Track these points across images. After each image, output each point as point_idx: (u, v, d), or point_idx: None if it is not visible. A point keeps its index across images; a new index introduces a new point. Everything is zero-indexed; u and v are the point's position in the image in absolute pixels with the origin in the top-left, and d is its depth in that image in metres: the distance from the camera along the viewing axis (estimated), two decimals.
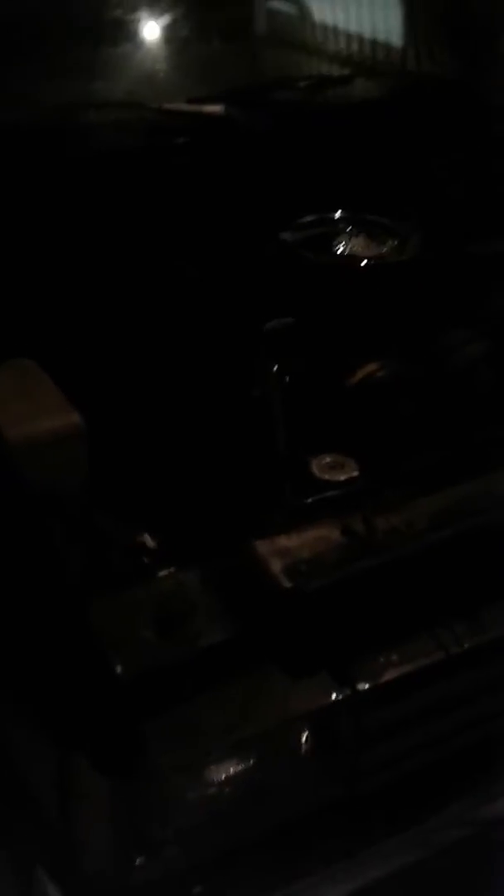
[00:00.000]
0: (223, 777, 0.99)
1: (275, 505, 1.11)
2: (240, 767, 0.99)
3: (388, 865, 1.14)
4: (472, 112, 1.92)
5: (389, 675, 1.04)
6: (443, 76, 2.05)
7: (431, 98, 1.94)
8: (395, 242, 1.51)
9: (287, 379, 1.26)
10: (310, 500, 1.12)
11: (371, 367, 1.32)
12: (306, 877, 1.08)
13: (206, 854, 1.03)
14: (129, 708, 0.92)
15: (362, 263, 1.47)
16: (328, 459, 1.17)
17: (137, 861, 0.98)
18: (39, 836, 1.03)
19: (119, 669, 0.93)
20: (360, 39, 2.14)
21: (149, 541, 1.11)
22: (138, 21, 1.93)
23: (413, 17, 2.16)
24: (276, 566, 1.04)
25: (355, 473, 1.16)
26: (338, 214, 1.54)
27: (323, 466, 1.16)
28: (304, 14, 2.25)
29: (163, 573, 1.06)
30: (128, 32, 1.91)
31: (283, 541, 1.07)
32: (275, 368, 1.24)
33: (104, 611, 0.98)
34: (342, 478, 1.15)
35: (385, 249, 1.50)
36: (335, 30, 2.17)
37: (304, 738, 1.03)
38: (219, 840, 1.03)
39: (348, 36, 2.15)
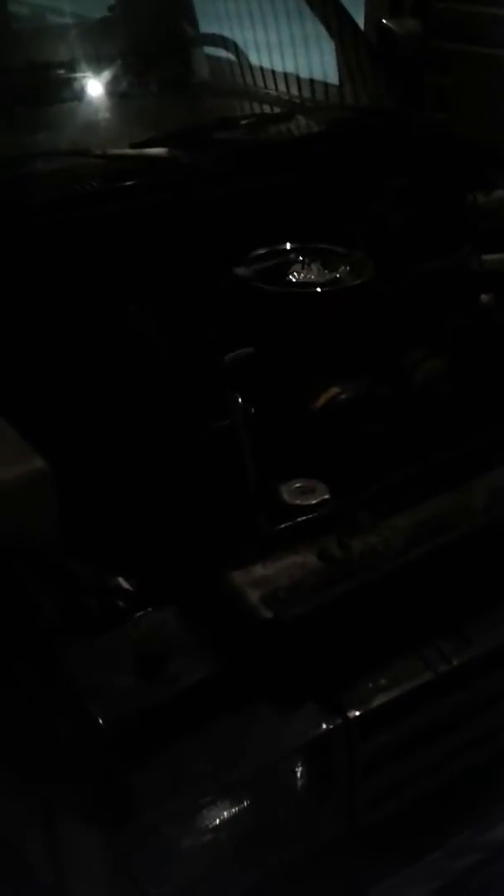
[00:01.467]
0: (217, 823, 0.95)
1: (248, 534, 1.09)
2: (234, 811, 0.95)
3: None
4: (406, 142, 1.97)
5: (379, 700, 1.01)
6: (377, 110, 2.10)
7: (368, 130, 1.98)
8: (348, 268, 1.52)
9: (252, 408, 1.25)
10: (283, 527, 1.11)
11: (334, 390, 1.31)
12: None
13: None
14: (113, 756, 0.88)
15: (317, 289, 1.47)
16: (298, 484, 1.15)
17: None
18: None
19: (100, 718, 0.89)
20: (298, 79, 2.19)
21: (123, 583, 1.08)
22: (80, 78, 1.97)
23: (346, 56, 2.22)
24: (254, 596, 1.02)
25: (326, 496, 1.14)
26: (288, 246, 1.55)
27: (293, 492, 1.15)
28: (241, 59, 2.30)
29: (139, 614, 1.03)
30: (71, 89, 1.95)
31: (260, 570, 1.05)
32: (239, 399, 1.23)
33: (81, 657, 0.95)
34: (313, 501, 1.13)
35: (338, 275, 1.50)
36: (272, 72, 2.22)
37: (298, 774, 0.99)
38: (218, 891, 0.99)
39: (286, 76, 2.20)
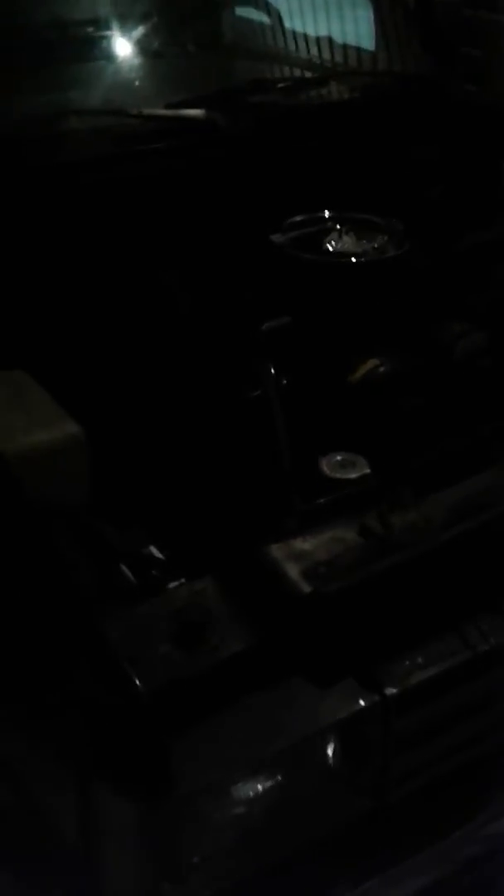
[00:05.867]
0: (251, 795, 0.94)
1: (286, 507, 1.08)
2: (268, 784, 0.94)
3: (414, 883, 1.10)
4: (442, 110, 1.92)
5: (417, 678, 0.99)
6: (415, 76, 2.05)
7: (405, 97, 1.93)
8: (386, 238, 1.49)
9: (285, 379, 1.23)
10: (323, 501, 1.09)
11: (372, 363, 1.29)
12: None
13: (232, 879, 0.98)
14: (153, 725, 0.87)
15: (357, 260, 1.44)
16: (338, 458, 1.13)
17: (163, 890, 0.92)
18: (59, 865, 0.97)
19: (140, 686, 0.88)
20: (331, 43, 2.14)
21: (158, 552, 1.06)
22: (110, 36, 1.92)
23: (381, 21, 2.16)
24: (294, 571, 1.00)
25: (367, 471, 1.12)
26: (326, 214, 1.52)
27: (334, 465, 1.13)
28: (275, 21, 2.24)
29: (176, 584, 1.02)
30: (101, 47, 1.90)
31: (299, 544, 1.03)
32: (272, 369, 1.21)
33: (119, 626, 0.94)
34: (354, 476, 1.11)
35: (376, 245, 1.47)
36: (305, 36, 2.17)
37: (332, 749, 0.98)
38: (246, 863, 0.98)
39: (318, 40, 2.15)
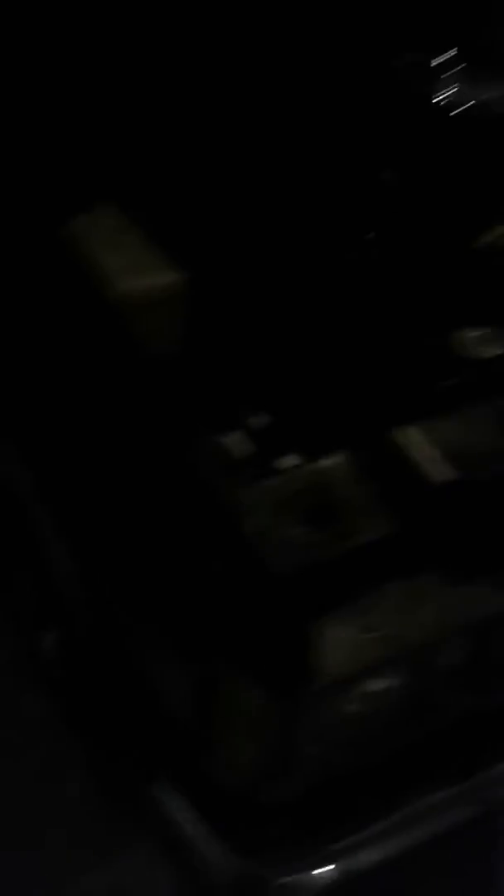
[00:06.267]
0: (380, 690, 0.87)
1: (418, 387, 0.96)
2: (395, 680, 0.87)
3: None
4: None
5: None
6: None
7: None
8: None
9: (403, 242, 1.08)
10: (459, 381, 0.97)
11: (501, 229, 1.14)
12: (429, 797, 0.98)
13: (328, 774, 0.92)
14: (290, 610, 0.78)
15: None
16: (476, 334, 1.01)
17: (277, 780, 0.87)
18: (165, 749, 0.91)
19: (274, 569, 0.79)
20: None
21: (271, 424, 0.95)
22: None
23: None
24: (430, 456, 0.90)
25: None
26: (454, 48, 1.32)
27: (470, 341, 1.00)
28: None
29: (295, 462, 0.91)
30: None
31: (437, 427, 0.92)
32: (370, 234, 1.07)
33: (245, 503, 0.84)
34: (493, 354, 0.99)
35: None
36: None
37: (460, 648, 0.91)
38: (345, 761, 0.92)
39: None
